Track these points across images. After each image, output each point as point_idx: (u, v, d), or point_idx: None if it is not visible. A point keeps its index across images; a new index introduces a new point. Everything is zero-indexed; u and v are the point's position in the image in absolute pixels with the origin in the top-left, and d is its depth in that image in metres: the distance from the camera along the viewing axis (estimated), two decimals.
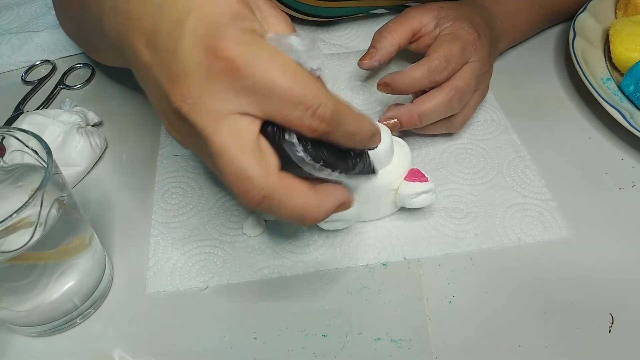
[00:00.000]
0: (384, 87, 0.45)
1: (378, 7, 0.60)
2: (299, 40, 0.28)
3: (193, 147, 0.29)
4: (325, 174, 0.29)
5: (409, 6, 0.57)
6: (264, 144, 0.27)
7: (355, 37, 0.60)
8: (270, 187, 0.26)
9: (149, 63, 0.27)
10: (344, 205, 0.30)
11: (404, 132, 0.47)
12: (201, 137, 0.26)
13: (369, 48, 0.47)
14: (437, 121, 0.45)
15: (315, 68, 0.28)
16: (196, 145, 0.28)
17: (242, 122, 0.26)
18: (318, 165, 0.28)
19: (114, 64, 0.49)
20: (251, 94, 0.26)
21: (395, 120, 0.43)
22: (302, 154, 0.28)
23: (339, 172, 0.29)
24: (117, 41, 0.30)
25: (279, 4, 0.58)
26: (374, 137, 0.30)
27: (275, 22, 0.29)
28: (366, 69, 0.49)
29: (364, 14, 0.61)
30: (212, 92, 0.26)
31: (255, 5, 0.28)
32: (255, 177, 0.26)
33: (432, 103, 0.43)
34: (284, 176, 0.27)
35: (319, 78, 0.29)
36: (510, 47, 0.58)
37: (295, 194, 0.27)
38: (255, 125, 0.27)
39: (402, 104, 0.44)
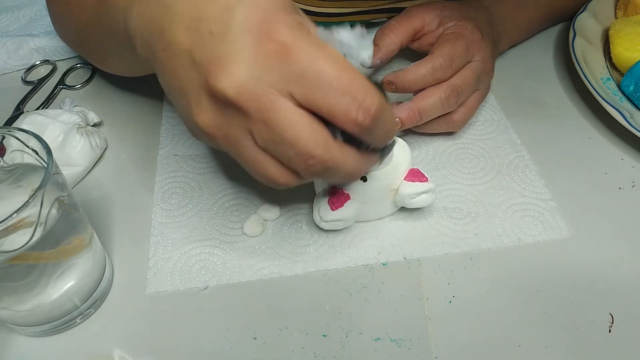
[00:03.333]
0: (388, 85, 0.45)
1: (380, 19, 0.60)
2: (348, 35, 0.30)
3: (226, 135, 0.29)
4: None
5: None
6: (316, 120, 0.28)
7: None
8: (331, 157, 0.28)
9: (187, 47, 0.27)
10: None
11: (403, 131, 0.47)
12: (252, 119, 0.27)
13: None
14: (438, 120, 0.45)
15: (367, 58, 0.30)
16: (233, 132, 0.28)
17: (291, 103, 0.27)
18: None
19: (117, 68, 0.49)
20: (299, 80, 0.26)
21: (397, 119, 0.43)
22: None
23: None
24: (144, 33, 0.30)
25: None
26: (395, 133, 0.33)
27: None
28: (368, 67, 0.49)
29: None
30: (261, 76, 0.26)
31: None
32: (317, 150, 0.28)
33: (431, 100, 0.43)
34: (340, 144, 0.29)
35: (370, 68, 0.30)
36: (511, 47, 0.58)
37: (349, 160, 0.29)
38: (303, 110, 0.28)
39: (402, 102, 0.44)
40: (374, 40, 0.47)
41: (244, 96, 0.26)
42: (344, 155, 0.29)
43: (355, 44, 0.30)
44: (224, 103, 0.27)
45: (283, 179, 0.30)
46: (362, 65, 0.30)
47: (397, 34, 0.47)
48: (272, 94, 0.27)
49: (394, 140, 0.34)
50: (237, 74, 0.26)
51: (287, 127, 0.27)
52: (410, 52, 0.50)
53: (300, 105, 0.27)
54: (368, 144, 0.30)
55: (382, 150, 0.34)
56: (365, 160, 0.31)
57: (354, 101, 0.27)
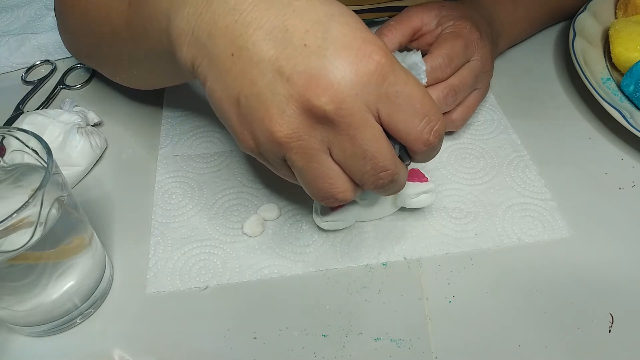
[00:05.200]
0: None
1: (382, 18, 0.60)
2: (420, 58, 0.33)
3: (303, 146, 0.29)
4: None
5: None
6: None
7: None
8: (398, 171, 0.30)
9: (272, 56, 0.28)
10: None
11: None
12: (339, 133, 0.28)
13: None
14: None
15: (425, 83, 0.34)
16: (312, 144, 0.29)
17: (374, 119, 0.29)
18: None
19: (137, 78, 0.47)
20: (390, 99, 0.28)
21: None
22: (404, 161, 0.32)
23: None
24: (200, 34, 0.30)
25: None
26: None
27: None
28: None
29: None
30: (359, 93, 0.27)
31: None
32: (392, 163, 0.30)
33: None
34: (399, 160, 0.31)
35: None
36: (510, 47, 0.58)
37: (405, 173, 0.32)
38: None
39: None
40: None
41: (341, 112, 0.27)
42: (403, 169, 0.31)
43: (424, 69, 0.34)
44: (317, 117, 0.28)
45: (344, 194, 0.31)
46: None
47: (395, 33, 0.47)
48: (365, 111, 0.28)
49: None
50: (338, 91, 0.27)
51: (372, 143, 0.29)
52: None
53: (380, 121, 0.29)
54: (408, 159, 0.32)
55: None
56: (407, 173, 0.33)
57: (430, 123, 0.29)
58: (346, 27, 0.28)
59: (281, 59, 0.28)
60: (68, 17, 0.48)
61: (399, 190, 0.33)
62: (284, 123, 0.28)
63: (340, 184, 0.31)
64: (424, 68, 0.37)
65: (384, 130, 0.29)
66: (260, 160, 0.32)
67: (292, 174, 0.32)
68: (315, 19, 0.28)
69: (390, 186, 0.31)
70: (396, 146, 0.30)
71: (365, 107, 0.28)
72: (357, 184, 0.31)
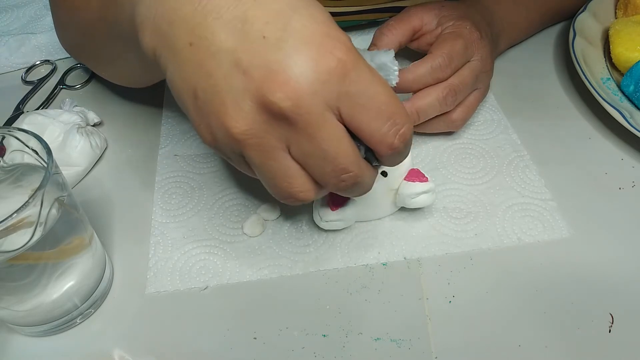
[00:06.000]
0: None
1: (383, 19, 0.60)
2: (390, 58, 0.31)
3: (260, 144, 0.28)
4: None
5: None
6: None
7: (355, 37, 0.60)
8: (362, 173, 0.29)
9: (230, 47, 0.26)
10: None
11: None
12: (297, 131, 0.27)
13: (370, 46, 0.47)
14: (438, 120, 0.45)
15: (395, 85, 0.32)
16: (270, 141, 0.28)
17: (335, 118, 0.27)
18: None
19: (119, 74, 0.47)
20: (353, 99, 0.27)
21: None
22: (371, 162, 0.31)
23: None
24: (160, 22, 0.28)
25: None
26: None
27: None
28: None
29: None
30: (318, 91, 0.26)
31: None
32: (355, 165, 0.28)
33: (428, 100, 0.43)
34: (365, 162, 0.30)
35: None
36: (510, 47, 0.58)
37: (371, 176, 0.31)
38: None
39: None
40: (372, 40, 0.48)
41: (299, 110, 0.26)
42: (369, 172, 0.30)
43: (394, 69, 0.32)
44: (273, 113, 0.26)
45: (304, 194, 0.30)
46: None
47: (395, 33, 0.47)
48: (325, 109, 0.27)
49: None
50: (296, 87, 0.26)
51: (332, 143, 0.27)
52: (410, 52, 0.50)
53: (342, 121, 0.28)
54: (375, 161, 0.31)
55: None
56: (375, 176, 0.32)
57: (395, 126, 0.28)
58: (310, 19, 0.26)
59: (239, 51, 0.26)
60: (58, 10, 0.48)
61: (364, 193, 0.31)
62: (240, 119, 0.27)
63: (299, 184, 0.29)
64: (395, 69, 0.35)
65: (350, 130, 0.28)
66: (220, 155, 0.31)
67: (252, 171, 0.30)
68: (278, 9, 0.26)
69: (353, 189, 0.30)
70: (362, 147, 0.29)
71: (325, 106, 0.26)
72: (319, 184, 0.30)
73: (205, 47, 0.27)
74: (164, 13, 0.28)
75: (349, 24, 0.59)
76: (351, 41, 0.27)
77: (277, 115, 0.26)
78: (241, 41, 0.26)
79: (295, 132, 0.27)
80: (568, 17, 0.59)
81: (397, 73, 0.34)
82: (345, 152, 0.28)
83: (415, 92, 0.44)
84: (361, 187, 0.30)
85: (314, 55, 0.26)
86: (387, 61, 0.34)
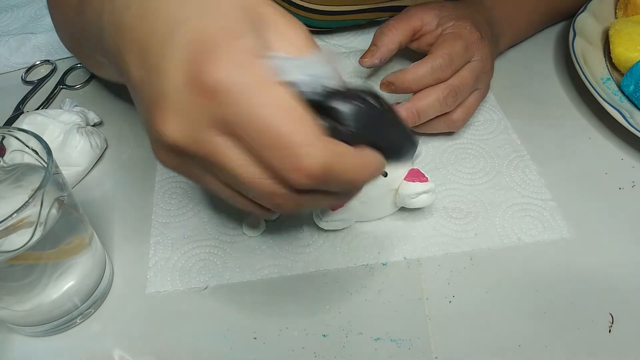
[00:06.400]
0: (387, 85, 0.45)
1: (382, 18, 0.60)
2: (306, 62, 0.24)
3: (189, 174, 0.27)
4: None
5: None
6: None
7: (355, 37, 0.60)
8: (280, 199, 0.25)
9: (138, 82, 0.25)
10: (380, 170, 0.27)
11: None
12: (204, 161, 0.24)
13: (370, 46, 0.47)
14: (438, 120, 0.45)
15: (333, 85, 0.24)
16: (193, 171, 0.26)
17: (234, 145, 0.24)
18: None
19: (111, 78, 0.47)
20: (231, 125, 0.23)
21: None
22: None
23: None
24: (114, 54, 0.27)
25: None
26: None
27: (285, 30, 0.25)
28: (367, 67, 0.49)
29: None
30: (197, 119, 0.23)
31: (259, 16, 0.25)
32: (273, 186, 0.24)
33: (428, 100, 0.43)
34: (334, 142, 0.24)
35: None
36: (511, 47, 0.58)
37: (348, 160, 0.25)
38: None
39: (400, 103, 0.44)
40: (373, 39, 0.48)
41: (185, 141, 0.23)
42: (295, 198, 0.25)
43: (315, 75, 0.24)
44: (174, 150, 0.24)
45: (259, 211, 0.28)
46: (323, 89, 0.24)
47: (395, 33, 0.47)
48: (213, 136, 0.23)
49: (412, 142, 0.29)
50: (174, 119, 0.23)
51: (240, 172, 0.24)
52: (410, 53, 0.50)
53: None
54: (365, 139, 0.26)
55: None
56: (369, 162, 0.26)
57: (288, 160, 0.22)
58: (185, 39, 0.23)
59: (142, 85, 0.25)
60: (52, 11, 0.48)
61: (313, 208, 0.28)
62: (159, 152, 0.26)
63: (246, 204, 0.27)
64: (332, 83, 0.25)
65: None
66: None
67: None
68: (164, 31, 0.24)
69: (291, 207, 0.26)
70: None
71: (214, 132, 0.23)
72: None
73: (130, 84, 0.26)
74: (115, 51, 0.27)
75: (348, 23, 0.59)
76: (254, 49, 0.23)
77: (176, 149, 0.24)
78: (143, 74, 0.25)
79: (204, 161, 0.24)
80: (568, 17, 0.59)
81: (329, 75, 0.25)
82: (257, 179, 0.24)
83: (415, 92, 0.44)
84: (298, 206, 0.26)
85: (183, 81, 0.23)
86: (321, 75, 0.25)
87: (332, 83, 0.24)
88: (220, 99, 0.22)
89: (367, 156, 0.26)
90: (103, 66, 0.41)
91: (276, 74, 0.23)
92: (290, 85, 0.23)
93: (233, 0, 0.24)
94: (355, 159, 0.25)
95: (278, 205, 0.25)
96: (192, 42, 0.23)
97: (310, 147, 0.22)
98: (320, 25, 0.58)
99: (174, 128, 0.23)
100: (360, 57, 0.48)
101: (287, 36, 0.25)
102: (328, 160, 0.23)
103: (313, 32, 0.61)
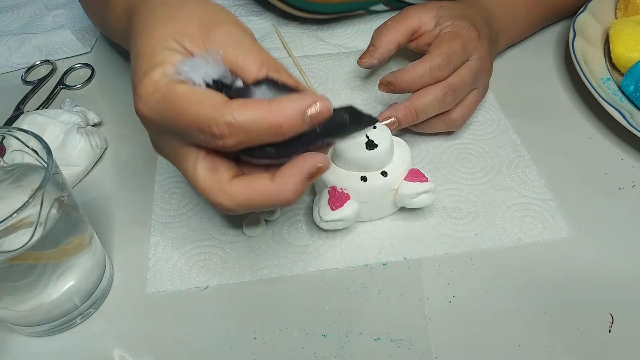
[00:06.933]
0: (386, 85, 0.45)
1: (377, 3, 0.60)
2: (191, 61, 0.30)
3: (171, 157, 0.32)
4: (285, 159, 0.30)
5: (407, 3, 0.57)
6: (216, 161, 0.30)
7: (354, 37, 0.60)
8: (231, 204, 0.29)
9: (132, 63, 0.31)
10: (317, 173, 0.30)
11: (403, 131, 0.47)
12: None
13: (368, 46, 0.48)
14: (437, 119, 0.45)
15: (218, 78, 0.29)
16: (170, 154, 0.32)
17: (191, 153, 0.30)
18: (281, 160, 0.30)
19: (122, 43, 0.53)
20: (172, 134, 0.30)
21: (394, 119, 0.44)
22: (250, 160, 0.31)
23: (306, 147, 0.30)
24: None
25: (279, 2, 0.58)
26: (313, 109, 0.28)
27: (230, 29, 0.31)
28: (366, 67, 0.49)
29: (364, 10, 0.61)
30: (158, 136, 0.31)
31: (213, 23, 0.31)
32: (215, 198, 0.29)
33: (427, 99, 0.43)
34: (232, 184, 0.29)
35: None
36: (511, 47, 0.58)
37: (256, 193, 0.29)
38: (199, 152, 0.29)
39: (399, 102, 0.44)
40: (371, 40, 0.48)
41: (162, 153, 0.32)
42: (245, 192, 0.29)
43: (201, 67, 0.29)
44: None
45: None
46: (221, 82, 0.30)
47: (394, 33, 0.47)
48: (172, 149, 0.31)
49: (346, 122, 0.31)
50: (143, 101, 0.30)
51: (193, 182, 0.30)
52: (409, 53, 0.50)
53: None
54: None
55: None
56: (282, 183, 0.29)
57: (204, 133, 0.28)
58: (136, 56, 0.31)
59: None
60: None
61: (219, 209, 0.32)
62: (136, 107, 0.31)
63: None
64: (200, 68, 0.30)
65: None
66: None
67: None
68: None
69: (242, 209, 0.30)
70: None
71: (170, 144, 0.31)
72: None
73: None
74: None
75: (342, 7, 0.59)
76: (167, 76, 0.29)
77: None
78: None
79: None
80: (568, 15, 0.59)
81: (212, 69, 0.30)
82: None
83: (414, 92, 0.44)
84: (244, 208, 0.30)
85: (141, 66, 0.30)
86: (186, 69, 0.29)
87: (217, 72, 0.30)
88: (152, 123, 0.30)
89: (280, 100, 0.29)
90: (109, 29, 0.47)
91: (179, 76, 0.29)
92: (190, 80, 0.29)
93: (192, 16, 0.31)
94: (264, 107, 0.28)
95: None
96: (135, 63, 0.31)
97: (208, 115, 0.27)
98: (319, 9, 0.58)
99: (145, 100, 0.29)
100: (359, 58, 0.48)
101: (230, 32, 0.31)
102: (230, 117, 0.27)
103: (312, 22, 0.61)
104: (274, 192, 0.29)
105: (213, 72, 0.29)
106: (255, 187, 0.29)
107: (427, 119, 0.45)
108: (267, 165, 0.31)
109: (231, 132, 0.27)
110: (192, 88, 0.29)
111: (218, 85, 0.30)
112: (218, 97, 0.28)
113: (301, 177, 0.29)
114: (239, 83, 0.30)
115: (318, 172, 0.29)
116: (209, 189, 0.29)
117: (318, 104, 0.27)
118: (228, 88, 0.30)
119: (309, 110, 0.27)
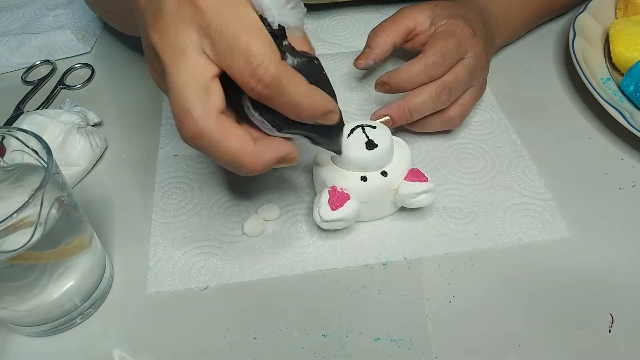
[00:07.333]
0: (382, 86, 0.45)
1: None
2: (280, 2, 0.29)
3: (163, 86, 0.30)
4: (277, 134, 0.31)
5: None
6: (216, 87, 0.29)
7: (354, 37, 0.60)
8: (205, 125, 0.28)
9: (143, 5, 0.30)
10: (287, 159, 0.31)
11: (403, 131, 0.47)
12: (163, 69, 0.28)
13: (364, 48, 0.48)
14: (434, 118, 0.45)
15: (292, 25, 0.29)
16: (163, 82, 0.29)
17: (200, 60, 0.28)
18: (268, 126, 0.30)
19: (129, 30, 0.53)
20: (207, 33, 0.28)
21: (387, 117, 0.44)
22: (251, 110, 0.30)
23: (298, 134, 0.32)
24: None
25: None
26: (326, 116, 0.31)
27: None
28: (362, 69, 0.49)
29: None
30: (177, 25, 0.28)
31: None
32: (192, 112, 0.28)
33: (421, 97, 0.43)
34: (223, 119, 0.29)
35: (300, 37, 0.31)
36: (511, 47, 0.58)
37: (230, 138, 0.29)
38: (212, 69, 0.28)
39: (394, 101, 0.44)
40: (367, 41, 0.48)
41: (161, 43, 0.28)
42: (223, 130, 0.29)
43: (275, 8, 0.29)
44: (156, 52, 0.29)
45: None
46: (288, 29, 0.30)
47: (389, 34, 0.47)
48: (186, 45, 0.28)
49: (336, 128, 0.34)
50: (162, 25, 0.28)
51: (174, 81, 0.28)
52: (405, 53, 0.50)
53: (213, 61, 0.28)
54: (287, 128, 0.30)
55: (316, 139, 0.34)
56: (261, 149, 0.30)
57: (248, 65, 0.27)
58: None
59: (145, 6, 0.30)
60: None
61: (230, 162, 0.30)
62: (151, 69, 0.31)
63: (176, 124, 0.31)
64: (275, 6, 0.30)
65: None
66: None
67: None
68: None
69: (201, 146, 0.29)
70: (246, 98, 0.30)
71: (188, 43, 0.28)
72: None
73: (137, 12, 0.31)
74: None
75: None
76: None
77: (155, 53, 0.29)
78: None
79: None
80: (565, 10, 0.59)
81: (288, 13, 0.30)
82: (188, 98, 0.28)
83: (409, 91, 0.44)
84: (213, 150, 0.29)
85: None
86: (286, 13, 0.30)
87: (290, 20, 0.29)
88: (199, 7, 0.27)
89: (317, 90, 0.30)
90: (116, 13, 0.48)
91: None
92: (259, 11, 0.28)
93: None
94: (303, 86, 0.29)
95: (188, 140, 0.29)
96: None
97: (266, 58, 0.27)
98: None
99: (159, 32, 0.28)
100: (355, 59, 0.48)
101: None
102: (279, 74, 0.28)
103: (311, 22, 0.61)
104: (249, 152, 0.29)
105: (284, 15, 0.29)
106: (236, 134, 0.29)
107: (424, 117, 0.45)
108: (255, 125, 0.31)
109: (268, 84, 0.27)
110: (256, 17, 0.28)
111: (272, 28, 0.29)
112: (274, 48, 0.28)
113: (276, 156, 0.31)
114: (286, 42, 0.30)
115: (288, 161, 0.31)
116: (196, 100, 0.28)
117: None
118: (275, 36, 0.29)
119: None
